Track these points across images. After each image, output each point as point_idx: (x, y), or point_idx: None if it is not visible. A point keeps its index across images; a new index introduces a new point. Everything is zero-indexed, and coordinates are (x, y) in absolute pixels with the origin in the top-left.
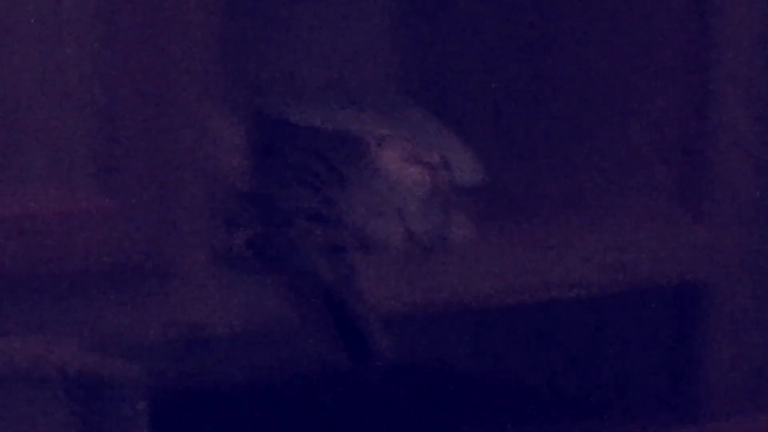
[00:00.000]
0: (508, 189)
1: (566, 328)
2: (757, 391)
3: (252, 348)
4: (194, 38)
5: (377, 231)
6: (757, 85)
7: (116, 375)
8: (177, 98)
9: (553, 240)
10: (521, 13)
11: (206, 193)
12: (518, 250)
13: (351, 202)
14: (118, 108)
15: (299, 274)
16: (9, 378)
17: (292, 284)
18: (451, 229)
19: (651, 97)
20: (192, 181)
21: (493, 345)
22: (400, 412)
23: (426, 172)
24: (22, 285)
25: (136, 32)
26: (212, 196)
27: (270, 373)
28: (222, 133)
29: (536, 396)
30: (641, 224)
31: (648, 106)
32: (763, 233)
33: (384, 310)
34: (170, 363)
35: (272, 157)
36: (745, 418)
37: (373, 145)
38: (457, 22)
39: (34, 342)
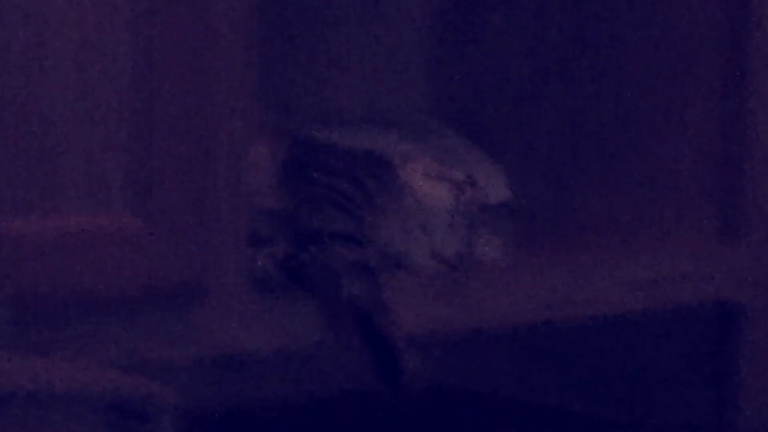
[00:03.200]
0: (536, 207)
1: (597, 349)
2: None
3: (282, 368)
4: (226, 59)
5: (404, 250)
6: None
7: (146, 395)
8: (210, 119)
9: (583, 259)
10: (551, 32)
11: (237, 213)
12: (547, 269)
13: (379, 222)
14: (150, 127)
15: (328, 294)
16: (37, 398)
17: (322, 304)
18: (479, 248)
19: (683, 117)
20: (223, 201)
21: (523, 366)
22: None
23: (452, 190)
24: (52, 304)
25: (169, 54)
26: (243, 216)
27: (299, 394)
28: (253, 153)
29: (567, 418)
30: (673, 244)
31: (680, 126)
32: None
33: (413, 329)
34: (200, 383)
35: (302, 177)
36: None
37: (400, 163)
38: (486, 42)
39: (64, 362)
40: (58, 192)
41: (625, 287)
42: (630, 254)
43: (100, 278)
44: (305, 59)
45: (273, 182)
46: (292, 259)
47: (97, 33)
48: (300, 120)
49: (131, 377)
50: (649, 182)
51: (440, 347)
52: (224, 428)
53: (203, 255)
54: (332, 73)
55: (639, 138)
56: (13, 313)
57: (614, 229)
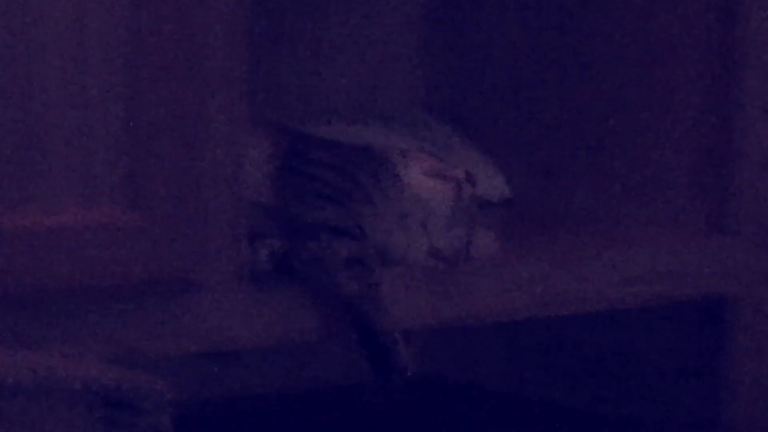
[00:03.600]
0: (532, 204)
1: (589, 342)
2: None
3: (275, 361)
4: (221, 54)
5: (401, 245)
6: None
7: (140, 388)
8: (203, 114)
9: (577, 255)
10: (546, 31)
11: (231, 207)
12: (542, 265)
13: (375, 217)
14: (143, 122)
15: (323, 288)
16: (32, 391)
17: (316, 298)
18: (475, 244)
19: (675, 113)
20: (217, 196)
21: (516, 360)
22: (422, 426)
23: (450, 187)
24: (46, 298)
25: (162, 49)
26: (237, 211)
27: (293, 387)
28: (248, 147)
29: (559, 411)
30: (666, 239)
31: (672, 122)
32: None
33: (407, 324)
34: (194, 376)
35: (297, 172)
36: None
37: (398, 160)
38: (482, 41)
39: (58, 355)
40: (52, 186)
41: (617, 281)
42: (622, 249)
43: (93, 271)
44: (301, 54)
45: (269, 177)
46: (287, 253)
47: (91, 29)
48: (296, 116)
49: (124, 369)
50: (640, 178)
51: (434, 341)
52: (217, 420)
53: (196, 249)
54: (328, 69)
55: (631, 133)
56: (7, 307)
57: (606, 224)
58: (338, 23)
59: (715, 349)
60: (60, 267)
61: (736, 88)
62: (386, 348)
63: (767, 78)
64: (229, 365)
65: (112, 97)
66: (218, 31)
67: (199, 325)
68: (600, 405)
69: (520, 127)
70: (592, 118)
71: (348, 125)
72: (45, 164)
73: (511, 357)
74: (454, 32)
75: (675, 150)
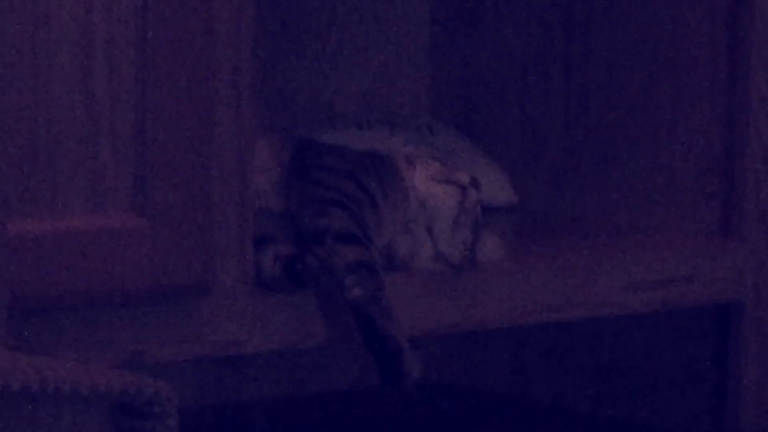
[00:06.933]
0: (538, 209)
1: (596, 347)
2: None
3: (282, 366)
4: (228, 60)
5: (407, 250)
6: None
7: (147, 393)
8: (211, 119)
9: (584, 260)
10: (552, 36)
11: (239, 212)
12: (549, 270)
13: (381, 222)
14: (153, 128)
15: (329, 293)
16: (40, 395)
17: (323, 303)
18: (481, 249)
19: (683, 119)
20: (224, 201)
21: (523, 365)
22: (429, 431)
23: (455, 192)
24: (54, 302)
25: (170, 55)
26: (244, 216)
27: (300, 392)
28: (255, 153)
29: (567, 415)
30: (673, 244)
31: (680, 128)
32: None
33: (414, 329)
34: (201, 381)
35: (304, 177)
36: None
37: (403, 165)
38: (489, 45)
39: (66, 359)
40: (61, 192)
41: (624, 286)
42: (629, 254)
43: (101, 276)
44: (308, 60)
45: (276, 183)
46: (294, 258)
47: (99, 35)
48: (303, 121)
49: (133, 375)
50: (647, 183)
51: (441, 346)
52: (224, 425)
53: (204, 254)
54: (335, 74)
55: (638, 139)
56: (16, 312)
57: (613, 229)
58: (345, 29)
59: (722, 353)
60: (68, 272)
61: (744, 94)
62: (393, 353)
63: None
64: (236, 370)
65: (120, 102)
66: (225, 37)
67: (207, 330)
68: (607, 410)
69: (526, 132)
70: (599, 124)
71: (354, 130)
72: (54, 170)
73: (518, 362)
74: (461, 37)
75: (682, 155)
